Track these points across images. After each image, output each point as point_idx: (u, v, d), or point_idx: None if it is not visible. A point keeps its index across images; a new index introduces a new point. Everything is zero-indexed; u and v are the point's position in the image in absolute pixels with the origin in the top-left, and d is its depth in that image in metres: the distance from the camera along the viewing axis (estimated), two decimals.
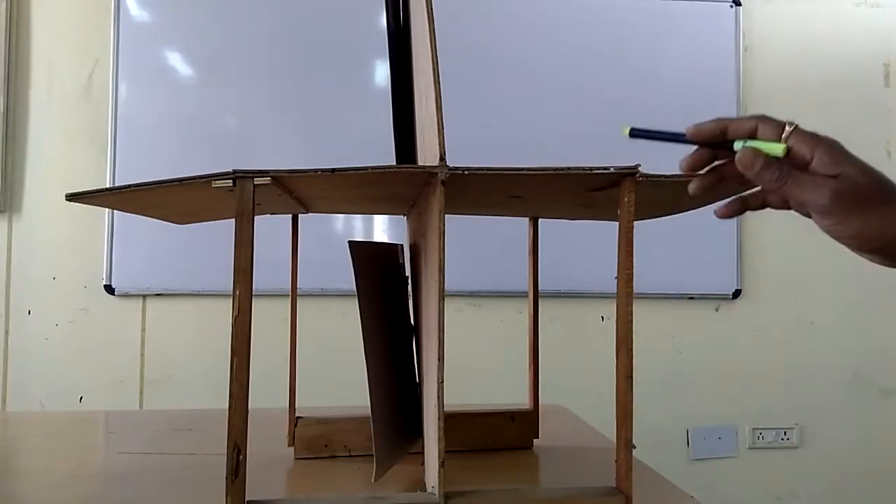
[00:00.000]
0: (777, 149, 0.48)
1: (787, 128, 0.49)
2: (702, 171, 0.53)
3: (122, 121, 1.90)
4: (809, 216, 0.51)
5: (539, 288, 0.88)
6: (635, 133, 0.52)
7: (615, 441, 0.56)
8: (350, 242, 0.67)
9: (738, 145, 0.49)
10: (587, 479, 0.78)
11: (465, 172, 0.52)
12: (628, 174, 0.53)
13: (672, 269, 1.99)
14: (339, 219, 1.95)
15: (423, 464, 0.61)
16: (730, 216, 0.53)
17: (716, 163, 0.53)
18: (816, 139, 0.48)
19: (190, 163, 1.86)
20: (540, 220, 0.87)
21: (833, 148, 0.48)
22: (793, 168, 0.48)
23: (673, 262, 1.99)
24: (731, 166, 0.51)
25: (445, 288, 0.53)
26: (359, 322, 0.65)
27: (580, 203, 0.71)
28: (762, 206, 0.53)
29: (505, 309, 1.97)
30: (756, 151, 0.48)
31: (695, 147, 0.52)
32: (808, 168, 0.48)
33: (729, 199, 0.53)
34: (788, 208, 0.52)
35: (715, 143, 0.50)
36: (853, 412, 2.05)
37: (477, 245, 1.86)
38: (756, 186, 0.52)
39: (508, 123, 1.98)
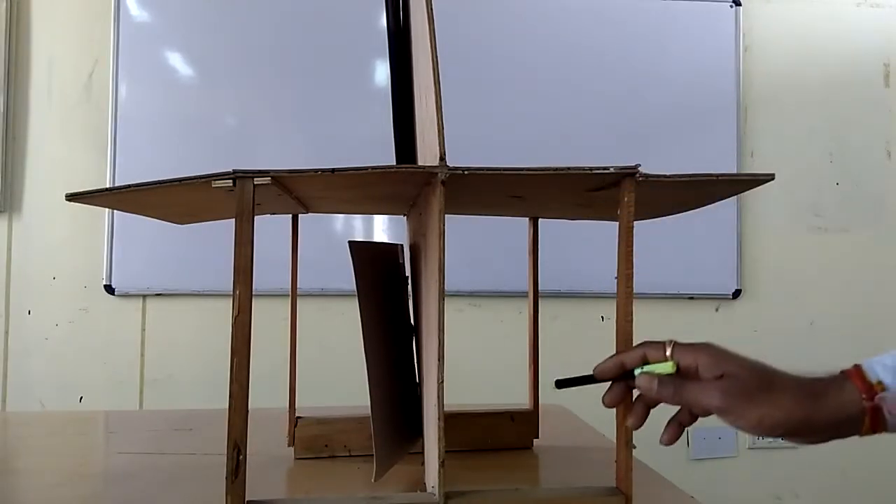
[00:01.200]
0: (667, 367, 0.54)
1: (667, 346, 0.54)
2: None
3: (122, 121, 1.90)
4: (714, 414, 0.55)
5: (539, 288, 0.88)
6: (561, 384, 0.58)
7: (615, 441, 0.56)
8: (350, 242, 0.67)
9: (637, 372, 0.55)
10: (587, 479, 0.78)
11: (465, 172, 0.52)
12: (628, 174, 0.53)
13: (672, 269, 1.99)
14: (339, 219, 1.95)
15: (423, 464, 0.61)
16: (674, 440, 0.57)
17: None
18: (696, 348, 0.54)
19: (190, 163, 1.86)
20: (540, 220, 0.87)
21: (712, 352, 0.54)
22: (685, 380, 0.54)
23: (673, 262, 1.99)
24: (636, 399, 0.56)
25: (445, 288, 0.53)
26: (359, 322, 0.65)
27: (580, 203, 0.71)
28: (693, 419, 0.57)
29: (505, 309, 1.97)
30: (649, 376, 0.54)
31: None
32: (698, 375, 0.53)
33: (666, 426, 0.57)
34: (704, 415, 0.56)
35: (619, 377, 0.56)
36: None
37: (477, 245, 1.86)
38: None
39: (508, 123, 1.98)
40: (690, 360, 0.53)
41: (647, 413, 0.55)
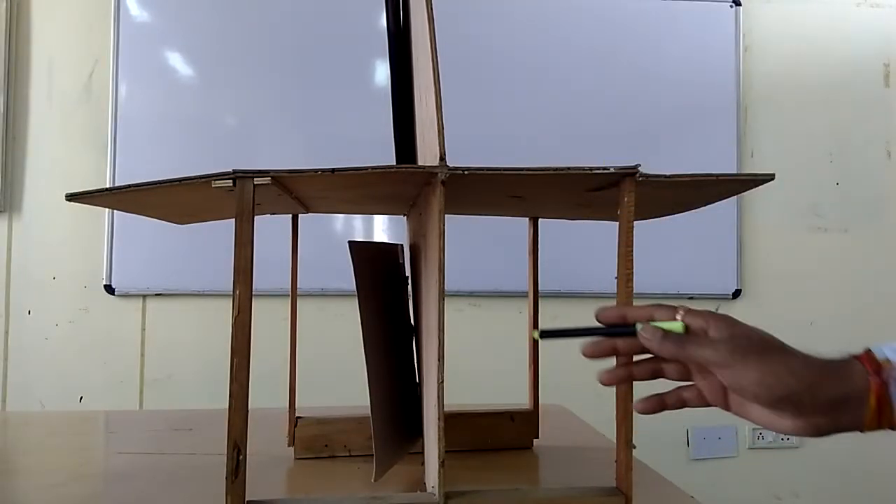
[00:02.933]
0: (676, 326, 0.52)
1: (678, 310, 0.52)
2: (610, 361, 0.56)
3: (122, 121, 1.90)
4: (723, 406, 0.53)
5: (539, 288, 0.88)
6: (545, 335, 0.55)
7: (615, 441, 0.56)
8: (350, 242, 0.67)
9: (639, 326, 0.53)
10: (587, 479, 0.78)
11: (465, 172, 0.52)
12: (628, 174, 0.53)
13: (672, 269, 2.00)
14: (339, 219, 1.95)
15: (423, 464, 0.61)
16: (650, 410, 0.55)
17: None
18: (708, 313, 0.52)
19: (190, 163, 1.86)
20: (540, 220, 0.87)
21: (724, 316, 0.52)
22: (690, 336, 0.52)
23: (673, 262, 1.99)
24: (632, 348, 0.54)
25: (445, 288, 0.53)
26: (359, 322, 0.65)
27: (580, 203, 0.71)
28: (652, 376, 0.55)
29: (505, 309, 1.97)
30: (655, 328, 0.52)
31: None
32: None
33: (647, 397, 0.55)
34: (704, 404, 0.54)
35: (617, 325, 0.54)
36: None
37: (477, 245, 1.86)
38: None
39: (508, 123, 1.98)
40: (701, 321, 0.51)
41: (629, 378, 0.54)
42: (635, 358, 0.55)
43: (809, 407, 0.49)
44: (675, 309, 0.53)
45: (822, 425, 0.49)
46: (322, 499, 0.61)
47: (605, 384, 0.54)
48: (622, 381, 0.54)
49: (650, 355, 0.54)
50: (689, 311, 0.52)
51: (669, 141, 2.03)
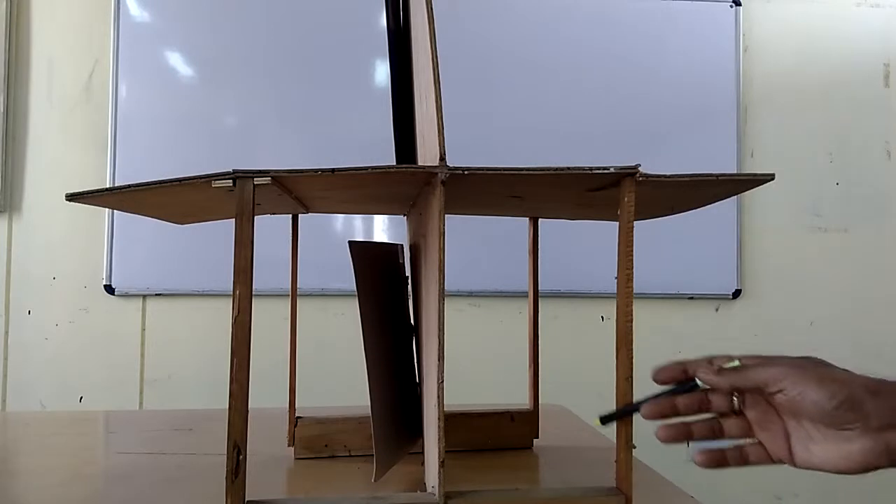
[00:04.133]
0: (733, 364, 0.53)
1: (736, 357, 0.53)
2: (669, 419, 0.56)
3: (122, 121, 1.90)
4: (767, 456, 0.53)
5: (539, 288, 0.88)
6: (606, 420, 0.55)
7: (615, 441, 0.56)
8: (350, 242, 0.67)
9: (698, 371, 0.53)
10: (587, 479, 0.78)
11: (465, 172, 0.52)
12: (628, 174, 0.53)
13: (672, 269, 2.00)
14: (339, 219, 1.95)
15: (423, 464, 0.61)
16: (673, 440, 0.55)
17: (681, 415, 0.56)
18: (764, 358, 0.52)
19: (190, 163, 1.86)
20: (540, 220, 0.87)
21: (779, 357, 0.52)
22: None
23: (673, 262, 1.99)
24: (693, 404, 0.54)
25: (445, 288, 0.53)
26: (359, 322, 0.65)
27: (580, 203, 0.71)
28: (712, 434, 0.55)
29: (505, 309, 1.97)
30: (712, 366, 0.53)
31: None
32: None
33: (673, 422, 0.55)
34: (767, 459, 0.54)
35: (678, 380, 0.54)
36: None
37: (477, 245, 1.87)
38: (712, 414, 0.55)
39: (508, 123, 1.98)
40: (756, 360, 0.52)
41: (689, 435, 0.53)
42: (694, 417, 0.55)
43: (874, 415, 0.47)
44: (730, 357, 0.53)
45: (893, 442, 0.47)
46: (322, 499, 0.61)
47: (662, 441, 0.54)
48: (681, 439, 0.54)
49: (711, 415, 0.54)
50: (745, 357, 0.53)
51: (669, 141, 2.03)
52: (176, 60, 1.94)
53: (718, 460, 0.54)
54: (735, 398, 0.53)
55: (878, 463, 0.48)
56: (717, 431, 0.54)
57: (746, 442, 0.54)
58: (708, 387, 0.53)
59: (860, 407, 0.47)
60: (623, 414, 0.54)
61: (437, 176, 0.52)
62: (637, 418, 0.54)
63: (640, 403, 0.54)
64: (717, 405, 0.54)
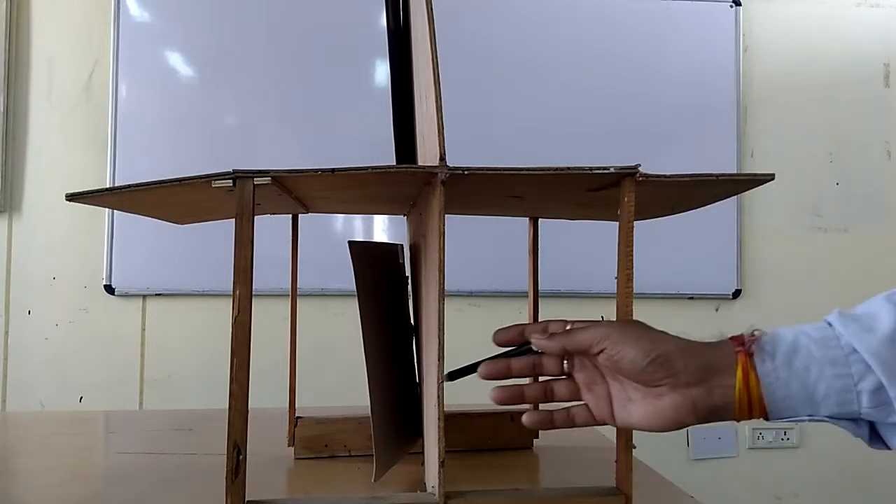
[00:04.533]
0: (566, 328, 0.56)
1: (568, 322, 0.56)
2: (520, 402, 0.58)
3: (122, 121, 1.90)
4: (591, 417, 0.56)
5: (539, 288, 0.88)
6: (453, 375, 0.56)
7: (615, 441, 0.56)
8: (350, 242, 0.67)
9: (532, 337, 0.56)
10: (587, 479, 0.78)
11: (465, 172, 0.52)
12: (628, 174, 0.53)
13: (672, 269, 2.00)
14: (339, 219, 1.95)
15: (423, 464, 0.61)
16: (505, 401, 0.57)
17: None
18: (594, 321, 0.55)
19: (190, 163, 1.86)
20: (540, 220, 0.87)
21: (609, 321, 0.55)
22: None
23: (673, 262, 1.99)
24: (526, 366, 0.57)
25: (445, 288, 0.53)
26: (359, 322, 0.65)
27: (580, 203, 0.71)
28: (544, 397, 0.58)
29: (505, 309, 1.97)
30: (544, 332, 0.56)
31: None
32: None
33: (535, 411, 0.59)
34: (592, 421, 0.56)
35: (516, 343, 0.57)
36: None
37: (477, 245, 1.86)
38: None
39: (508, 123, 1.98)
40: (582, 324, 0.55)
41: (521, 397, 0.56)
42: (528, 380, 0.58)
43: (683, 371, 0.49)
44: (564, 322, 0.56)
45: (698, 399, 0.49)
46: (322, 499, 0.61)
47: (496, 401, 0.56)
48: (514, 401, 0.56)
49: (544, 378, 0.57)
50: (576, 321, 0.56)
51: (669, 141, 2.03)
52: (176, 60, 1.94)
53: (546, 421, 0.57)
54: (565, 362, 0.56)
55: (688, 419, 0.50)
56: (548, 394, 0.57)
57: (574, 404, 0.57)
58: (541, 350, 0.56)
59: (671, 364, 0.50)
60: (465, 371, 0.57)
61: (437, 176, 0.52)
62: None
63: (480, 363, 0.57)
64: (548, 368, 0.57)
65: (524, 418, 0.58)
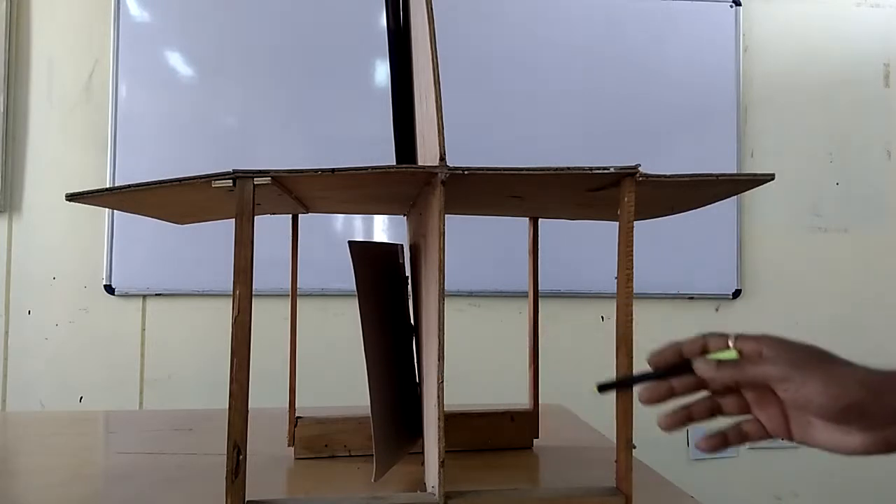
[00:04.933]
0: (730, 354, 0.52)
1: (730, 338, 0.52)
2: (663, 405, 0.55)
3: (122, 121, 1.90)
4: (765, 433, 0.52)
5: (539, 288, 0.88)
6: (603, 388, 0.54)
7: (615, 441, 0.56)
8: (350, 242, 0.67)
9: (695, 363, 0.53)
10: (587, 479, 0.78)
11: (465, 172, 0.52)
12: (628, 174, 0.53)
13: (672, 269, 2.00)
14: (339, 219, 1.95)
15: (423, 464, 0.61)
16: (714, 448, 0.54)
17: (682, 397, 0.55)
18: (760, 335, 0.51)
19: (190, 163, 1.86)
20: (540, 220, 0.87)
21: (777, 338, 0.51)
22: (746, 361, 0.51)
23: (673, 262, 1.99)
24: (689, 386, 0.54)
25: (445, 288, 0.53)
26: (359, 322, 0.65)
27: (580, 203, 0.71)
28: (711, 415, 0.55)
29: (505, 309, 1.97)
30: (709, 360, 0.52)
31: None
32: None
33: (674, 410, 0.55)
34: (766, 436, 0.53)
35: (675, 365, 0.54)
36: None
37: (477, 245, 1.86)
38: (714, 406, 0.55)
39: (508, 123, 1.98)
40: (753, 345, 0.51)
41: (689, 419, 0.53)
42: (692, 398, 0.55)
43: (878, 416, 0.47)
44: (725, 336, 0.53)
45: (893, 438, 0.47)
46: (322, 499, 0.61)
47: (665, 429, 0.53)
48: (682, 424, 0.54)
49: (708, 394, 0.54)
50: (740, 337, 0.52)
51: (669, 141, 2.03)
52: (176, 60, 1.94)
53: (720, 444, 0.54)
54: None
55: (876, 452, 0.48)
56: (715, 411, 0.54)
57: (745, 419, 0.54)
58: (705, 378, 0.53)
59: (864, 410, 0.47)
60: (621, 385, 0.54)
61: (437, 176, 0.52)
62: (637, 406, 0.54)
63: (638, 378, 0.54)
64: (713, 386, 0.54)
65: (699, 444, 0.54)
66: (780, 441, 0.53)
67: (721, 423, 0.55)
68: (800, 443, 0.51)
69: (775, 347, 0.50)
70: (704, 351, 0.53)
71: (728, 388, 0.53)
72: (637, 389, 0.54)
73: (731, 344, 0.52)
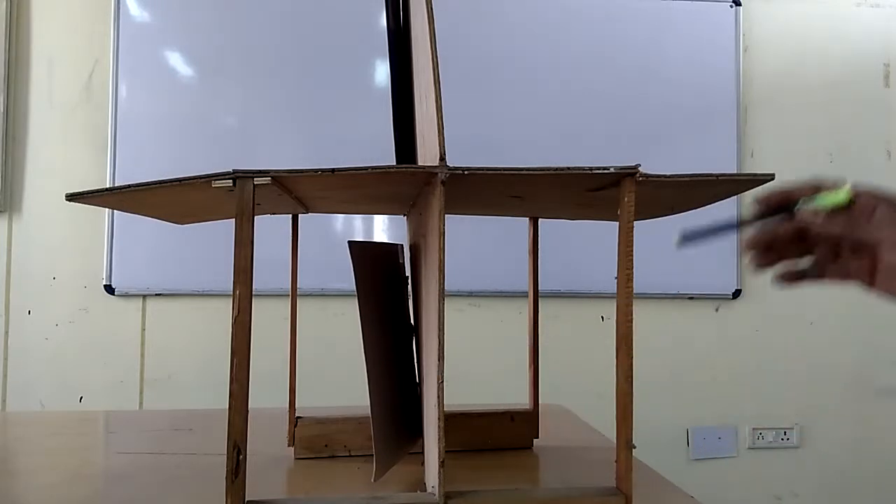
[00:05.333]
0: (842, 194, 0.49)
1: (848, 184, 0.50)
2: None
3: (122, 121, 1.90)
4: (867, 282, 0.50)
5: (539, 288, 0.88)
6: (687, 239, 0.52)
7: (615, 441, 0.56)
8: (350, 242, 0.67)
9: (803, 212, 0.50)
10: (587, 479, 0.78)
11: (465, 172, 0.52)
12: (628, 174, 0.53)
13: (672, 269, 1.99)
14: (339, 219, 1.95)
15: (423, 464, 0.61)
16: (791, 281, 0.53)
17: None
18: (878, 193, 0.48)
19: (190, 163, 1.86)
20: (540, 220, 0.87)
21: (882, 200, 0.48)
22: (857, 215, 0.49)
23: (673, 262, 1.99)
24: (791, 231, 0.52)
25: (445, 288, 0.53)
26: (359, 322, 0.65)
27: (580, 203, 0.71)
28: (801, 255, 0.53)
29: (505, 309, 1.97)
30: (815, 208, 0.50)
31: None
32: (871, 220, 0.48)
33: (787, 272, 0.54)
34: (846, 279, 0.51)
35: (780, 208, 0.52)
36: (853, 412, 2.05)
37: (477, 245, 1.86)
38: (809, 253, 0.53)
39: (508, 123, 1.98)
40: (870, 200, 0.48)
41: (778, 259, 0.52)
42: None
43: None
44: (835, 183, 0.50)
45: None
46: (322, 499, 0.61)
47: (758, 266, 0.53)
48: (772, 264, 0.53)
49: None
50: (858, 186, 0.49)
51: (669, 141, 2.03)
52: (176, 60, 1.94)
53: (796, 279, 0.53)
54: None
55: None
56: (805, 252, 0.53)
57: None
58: (812, 228, 0.50)
59: None
60: (711, 233, 0.52)
61: (437, 176, 0.52)
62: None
63: (731, 225, 0.53)
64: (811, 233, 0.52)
65: (777, 278, 0.52)
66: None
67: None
68: (882, 292, 0.49)
69: (892, 211, 0.47)
70: (815, 194, 0.50)
71: (829, 236, 0.51)
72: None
73: (844, 193, 0.49)
